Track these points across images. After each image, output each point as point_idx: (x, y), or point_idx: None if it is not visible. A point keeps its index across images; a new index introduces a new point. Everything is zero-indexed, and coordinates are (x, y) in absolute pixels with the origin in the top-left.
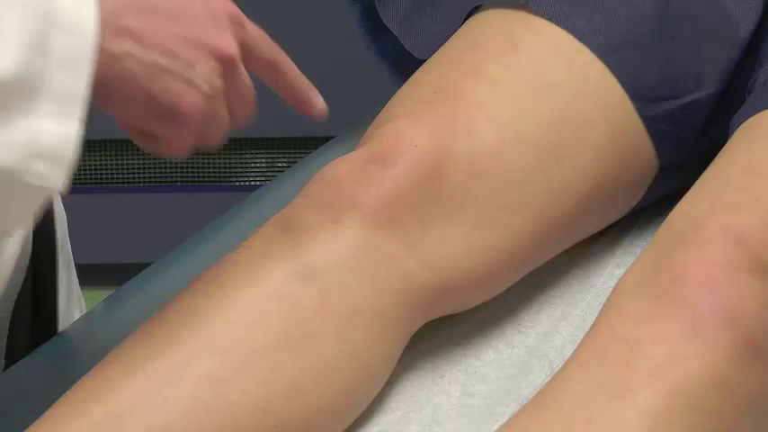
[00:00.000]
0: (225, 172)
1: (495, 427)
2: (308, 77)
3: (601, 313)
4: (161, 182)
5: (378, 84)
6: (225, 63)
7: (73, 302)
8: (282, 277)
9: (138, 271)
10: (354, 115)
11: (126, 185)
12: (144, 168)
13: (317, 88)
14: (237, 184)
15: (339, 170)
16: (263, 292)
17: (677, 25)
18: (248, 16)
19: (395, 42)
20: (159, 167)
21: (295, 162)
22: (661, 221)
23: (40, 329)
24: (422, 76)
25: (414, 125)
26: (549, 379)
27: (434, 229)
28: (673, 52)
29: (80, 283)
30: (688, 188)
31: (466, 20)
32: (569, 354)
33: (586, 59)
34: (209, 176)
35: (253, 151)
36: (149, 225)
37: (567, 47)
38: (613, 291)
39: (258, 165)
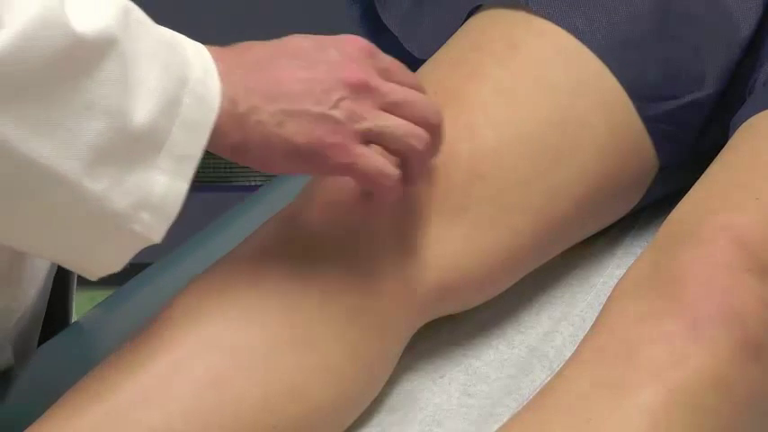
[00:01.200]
0: (225, 172)
1: (496, 427)
2: None
3: (601, 313)
4: None
5: None
6: (357, 88)
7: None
8: (283, 277)
9: (138, 271)
10: None
11: None
12: None
13: None
14: (237, 184)
15: None
16: (263, 292)
17: (677, 25)
18: (248, 16)
19: (395, 42)
20: None
21: None
22: (661, 221)
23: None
24: (422, 77)
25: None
26: (549, 379)
27: (435, 230)
28: (673, 52)
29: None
30: (688, 188)
31: (466, 20)
32: (569, 354)
33: (586, 59)
34: (209, 176)
35: None
36: None
37: (568, 47)
38: (613, 291)
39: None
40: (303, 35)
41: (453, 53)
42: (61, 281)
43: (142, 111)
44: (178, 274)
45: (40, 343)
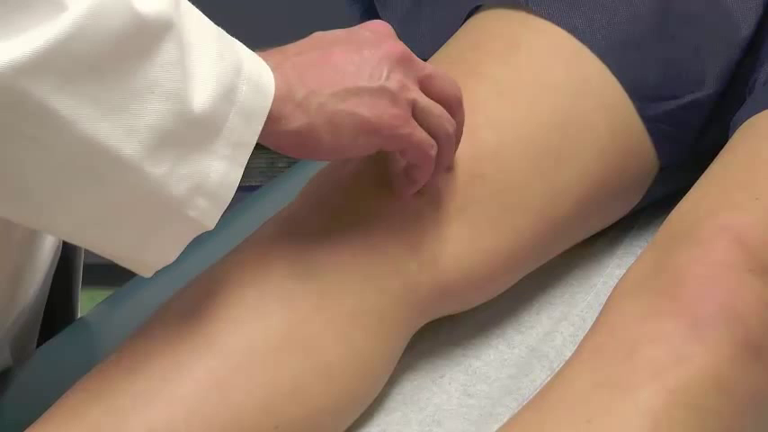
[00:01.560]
0: None
1: (496, 427)
2: None
3: (601, 313)
4: None
5: None
6: (400, 60)
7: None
8: (283, 277)
9: None
10: None
11: None
12: None
13: None
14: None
15: (341, 170)
16: (263, 292)
17: (677, 25)
18: (248, 16)
19: None
20: None
21: (295, 162)
22: (661, 221)
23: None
24: None
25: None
26: (549, 379)
27: (435, 230)
28: (673, 52)
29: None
30: (688, 188)
31: (466, 20)
32: (569, 354)
33: (587, 59)
34: None
35: (253, 151)
36: None
37: (568, 47)
38: (613, 291)
39: (258, 165)
40: (325, 31)
41: (453, 53)
42: (65, 281)
43: (201, 96)
44: (178, 274)
45: (42, 343)
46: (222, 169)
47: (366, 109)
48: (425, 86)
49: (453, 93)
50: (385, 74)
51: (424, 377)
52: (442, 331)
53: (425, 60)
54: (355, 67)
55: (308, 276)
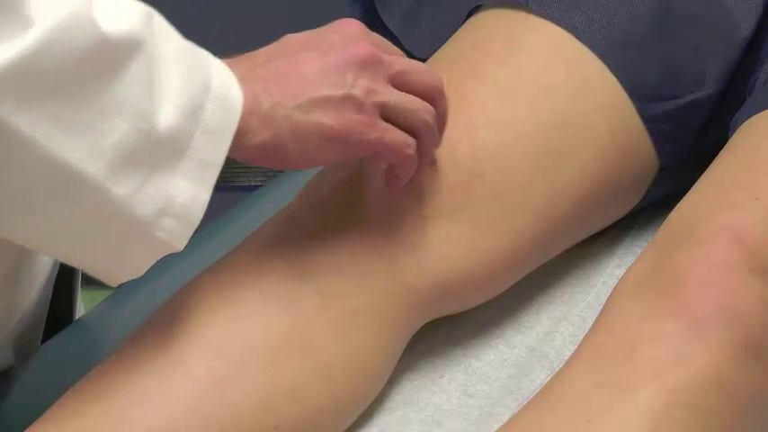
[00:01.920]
0: (225, 172)
1: (496, 427)
2: None
3: (601, 313)
4: None
5: None
6: (367, 63)
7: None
8: (282, 277)
9: None
10: None
11: None
12: None
13: None
14: (237, 184)
15: (341, 171)
16: (263, 293)
17: (677, 25)
18: (248, 16)
19: (395, 42)
20: None
21: None
22: (661, 221)
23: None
24: None
25: None
26: (549, 379)
27: (435, 230)
28: (673, 52)
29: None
30: (688, 188)
31: (466, 20)
32: (569, 354)
33: (587, 59)
34: None
35: None
36: None
37: (568, 47)
38: (614, 290)
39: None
40: (296, 33)
41: (453, 53)
42: (65, 281)
43: (167, 114)
44: (178, 274)
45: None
46: (190, 190)
47: (331, 118)
48: (400, 83)
49: (431, 83)
50: (350, 80)
51: (424, 377)
52: (442, 331)
53: (425, 61)
54: (321, 75)
55: (307, 276)
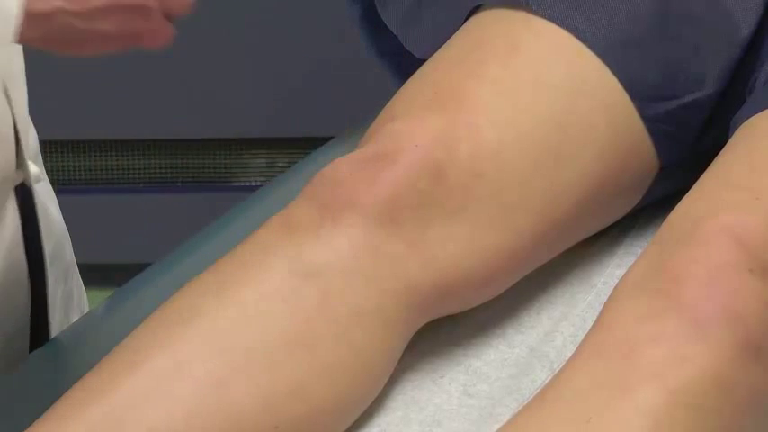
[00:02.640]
0: (225, 172)
1: (496, 427)
2: (308, 78)
3: (601, 313)
4: (161, 182)
5: (378, 84)
6: None
7: (72, 308)
8: (283, 277)
9: (138, 271)
10: (354, 115)
11: (126, 185)
12: (144, 168)
13: (317, 88)
14: (237, 184)
15: (340, 170)
16: (263, 292)
17: (678, 25)
18: (248, 17)
19: (395, 42)
20: (160, 168)
21: (295, 162)
22: (661, 221)
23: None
24: (422, 77)
25: (414, 125)
26: (549, 379)
27: (435, 229)
28: (673, 52)
29: (82, 283)
30: (688, 188)
31: (466, 20)
32: (570, 354)
33: (587, 59)
34: (209, 176)
35: (253, 151)
36: (149, 225)
37: (568, 47)
38: (614, 290)
39: (258, 165)
40: None
41: (453, 53)
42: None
43: None
44: (178, 274)
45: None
46: None
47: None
48: None
49: None
50: None
51: (424, 377)
52: (442, 331)
53: (425, 61)
54: None
55: (308, 276)
